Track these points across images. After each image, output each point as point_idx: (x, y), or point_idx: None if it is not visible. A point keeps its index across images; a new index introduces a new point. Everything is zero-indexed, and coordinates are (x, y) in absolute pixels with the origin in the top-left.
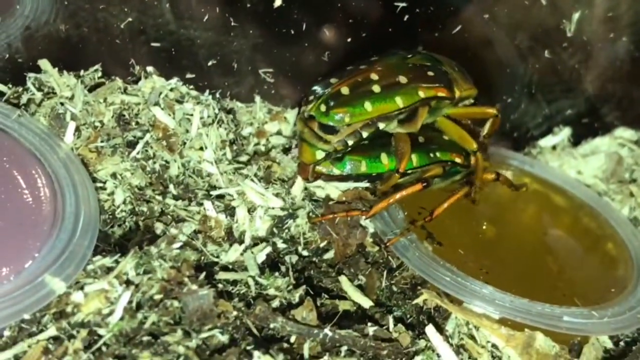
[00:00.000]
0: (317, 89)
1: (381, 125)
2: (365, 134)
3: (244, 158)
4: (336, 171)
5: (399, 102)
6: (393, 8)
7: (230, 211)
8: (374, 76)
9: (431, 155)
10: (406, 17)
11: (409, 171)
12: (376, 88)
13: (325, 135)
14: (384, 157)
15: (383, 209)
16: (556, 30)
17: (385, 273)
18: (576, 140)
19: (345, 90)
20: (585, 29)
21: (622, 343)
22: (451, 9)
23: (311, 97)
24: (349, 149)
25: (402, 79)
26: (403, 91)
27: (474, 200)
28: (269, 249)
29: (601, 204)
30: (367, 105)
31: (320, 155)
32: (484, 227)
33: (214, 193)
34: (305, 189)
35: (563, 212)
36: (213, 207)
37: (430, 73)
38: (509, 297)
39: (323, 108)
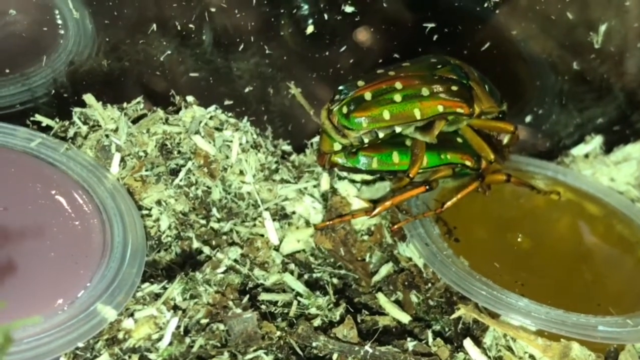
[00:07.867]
0: (345, 88)
1: (398, 130)
2: (381, 135)
3: (284, 177)
4: (349, 164)
5: (417, 114)
6: (422, 29)
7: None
8: (398, 85)
9: (442, 157)
10: (435, 36)
11: (419, 170)
12: (397, 97)
13: (343, 130)
14: (395, 156)
15: (388, 208)
16: (584, 42)
17: (420, 287)
18: (608, 147)
19: (368, 95)
20: (612, 39)
21: None
22: (479, 27)
23: (337, 96)
24: (365, 145)
25: (425, 91)
26: (423, 104)
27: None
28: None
29: (634, 211)
30: (386, 114)
31: (337, 147)
32: (519, 239)
33: (255, 213)
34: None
35: (597, 220)
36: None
37: (454, 87)
38: (545, 309)
39: (345, 110)
